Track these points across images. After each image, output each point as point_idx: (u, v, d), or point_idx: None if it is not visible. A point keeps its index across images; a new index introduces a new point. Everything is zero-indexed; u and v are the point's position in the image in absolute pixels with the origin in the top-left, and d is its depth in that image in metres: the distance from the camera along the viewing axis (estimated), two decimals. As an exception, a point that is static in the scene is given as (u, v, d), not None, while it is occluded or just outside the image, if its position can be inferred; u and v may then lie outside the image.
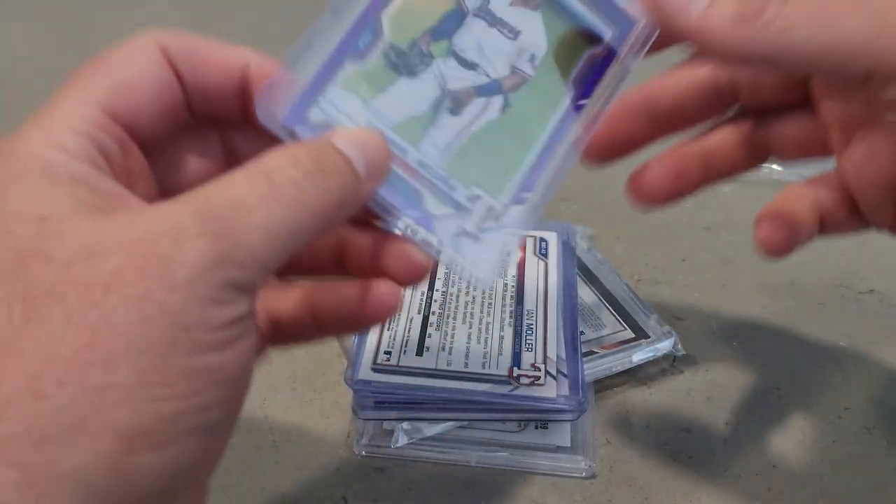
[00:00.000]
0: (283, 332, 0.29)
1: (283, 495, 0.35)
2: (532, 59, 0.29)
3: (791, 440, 0.38)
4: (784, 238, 0.30)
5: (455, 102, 0.28)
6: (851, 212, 0.31)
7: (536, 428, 0.37)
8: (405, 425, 0.36)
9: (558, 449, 0.36)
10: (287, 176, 0.22)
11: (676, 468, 0.36)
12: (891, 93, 0.25)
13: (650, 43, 0.29)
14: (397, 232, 0.26)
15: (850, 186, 0.31)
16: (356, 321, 0.28)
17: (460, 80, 0.28)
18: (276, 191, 0.22)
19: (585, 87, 0.29)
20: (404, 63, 0.27)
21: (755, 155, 0.32)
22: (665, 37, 0.28)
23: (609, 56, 0.29)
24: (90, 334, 0.19)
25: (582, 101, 0.29)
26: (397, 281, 0.27)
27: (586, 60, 0.29)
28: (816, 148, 0.32)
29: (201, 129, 0.27)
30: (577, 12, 0.29)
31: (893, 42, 0.24)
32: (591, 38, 0.29)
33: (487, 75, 0.28)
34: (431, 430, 0.37)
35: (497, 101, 0.28)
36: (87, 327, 0.19)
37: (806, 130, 0.32)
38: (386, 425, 0.37)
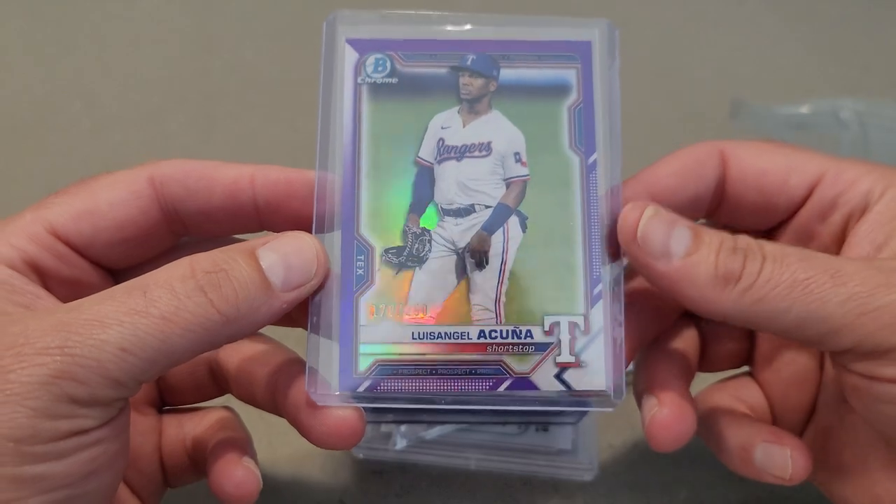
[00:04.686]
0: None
1: (280, 498, 0.35)
2: (518, 156, 0.26)
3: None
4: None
5: (476, 256, 0.26)
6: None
7: (537, 430, 0.37)
8: (403, 428, 0.36)
9: (560, 452, 0.36)
10: (168, 290, 0.22)
11: (679, 472, 0.36)
12: (860, 366, 0.24)
13: (616, 43, 0.27)
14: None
15: (770, 401, 0.31)
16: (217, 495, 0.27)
17: (466, 231, 0.26)
18: (146, 306, 0.22)
19: (587, 140, 0.27)
20: (408, 256, 0.26)
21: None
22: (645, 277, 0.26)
23: (588, 91, 0.27)
24: None
25: (592, 157, 0.26)
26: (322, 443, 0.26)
27: (568, 115, 0.27)
28: (736, 359, 0.32)
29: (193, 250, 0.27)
30: (529, 80, 0.27)
31: (875, 326, 0.23)
32: (559, 90, 0.27)
33: (487, 206, 0.26)
34: (430, 433, 0.36)
35: (513, 221, 0.26)
36: None
37: (737, 340, 0.32)
38: (384, 428, 0.36)
